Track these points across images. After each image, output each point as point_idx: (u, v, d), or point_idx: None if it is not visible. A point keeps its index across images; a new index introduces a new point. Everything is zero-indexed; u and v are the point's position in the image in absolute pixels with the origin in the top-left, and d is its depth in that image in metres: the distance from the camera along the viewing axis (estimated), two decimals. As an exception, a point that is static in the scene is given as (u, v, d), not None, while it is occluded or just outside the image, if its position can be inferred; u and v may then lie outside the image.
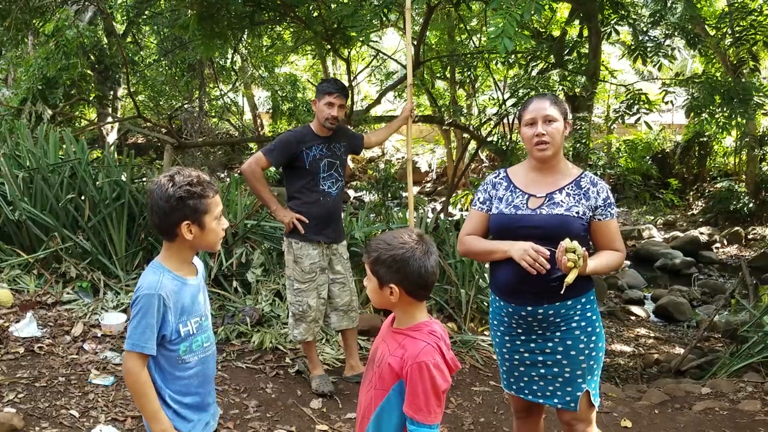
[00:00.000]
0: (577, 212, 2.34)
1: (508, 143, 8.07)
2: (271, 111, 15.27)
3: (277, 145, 3.64)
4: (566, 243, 2.18)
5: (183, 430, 1.88)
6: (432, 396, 1.67)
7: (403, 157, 18.48)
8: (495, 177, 2.55)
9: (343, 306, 3.80)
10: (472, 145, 10.54)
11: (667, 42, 6.51)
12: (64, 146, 5.45)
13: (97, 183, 4.97)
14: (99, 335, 4.02)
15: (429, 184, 18.51)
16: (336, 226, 3.75)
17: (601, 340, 2.42)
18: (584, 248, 2.21)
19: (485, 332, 4.88)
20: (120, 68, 10.41)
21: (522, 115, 2.44)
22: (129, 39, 11.67)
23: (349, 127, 5.03)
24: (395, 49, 15.16)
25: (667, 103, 6.16)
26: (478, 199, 2.54)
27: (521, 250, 2.24)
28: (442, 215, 6.57)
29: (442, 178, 18.17)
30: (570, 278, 2.17)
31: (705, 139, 14.65)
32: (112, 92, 11.57)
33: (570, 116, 2.48)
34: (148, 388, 1.81)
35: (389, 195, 10.93)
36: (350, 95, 7.58)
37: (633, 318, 7.86)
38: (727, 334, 6.32)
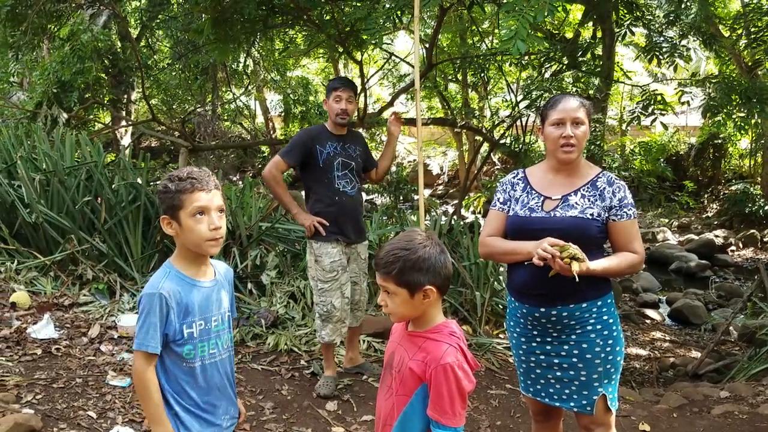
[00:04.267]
0: (592, 214, 2.31)
1: (521, 145, 8.04)
2: (283, 114, 15.33)
3: (292, 145, 3.69)
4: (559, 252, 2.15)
5: None
6: (457, 398, 1.64)
7: (414, 160, 18.46)
8: (513, 177, 2.53)
9: (350, 304, 3.83)
10: (485, 147, 10.53)
11: (682, 42, 6.46)
12: (80, 149, 5.50)
13: (113, 185, 5.01)
14: (115, 337, 4.04)
15: (441, 187, 18.49)
16: (355, 226, 3.77)
17: (619, 344, 2.38)
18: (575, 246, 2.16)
19: (500, 335, 4.85)
20: (134, 72, 10.49)
21: (548, 113, 2.40)
22: (143, 43, 11.76)
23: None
24: (408, 52, 15.16)
25: (683, 103, 6.11)
26: (498, 199, 2.51)
27: (539, 246, 2.19)
28: (455, 217, 6.56)
29: (454, 180, 18.15)
30: (575, 268, 2.11)
31: (720, 141, 14.53)
32: (126, 96, 11.65)
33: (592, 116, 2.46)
34: (151, 388, 1.78)
35: (401, 197, 10.94)
36: (363, 97, 7.59)
37: (648, 321, 7.79)
38: (745, 337, 6.24)
